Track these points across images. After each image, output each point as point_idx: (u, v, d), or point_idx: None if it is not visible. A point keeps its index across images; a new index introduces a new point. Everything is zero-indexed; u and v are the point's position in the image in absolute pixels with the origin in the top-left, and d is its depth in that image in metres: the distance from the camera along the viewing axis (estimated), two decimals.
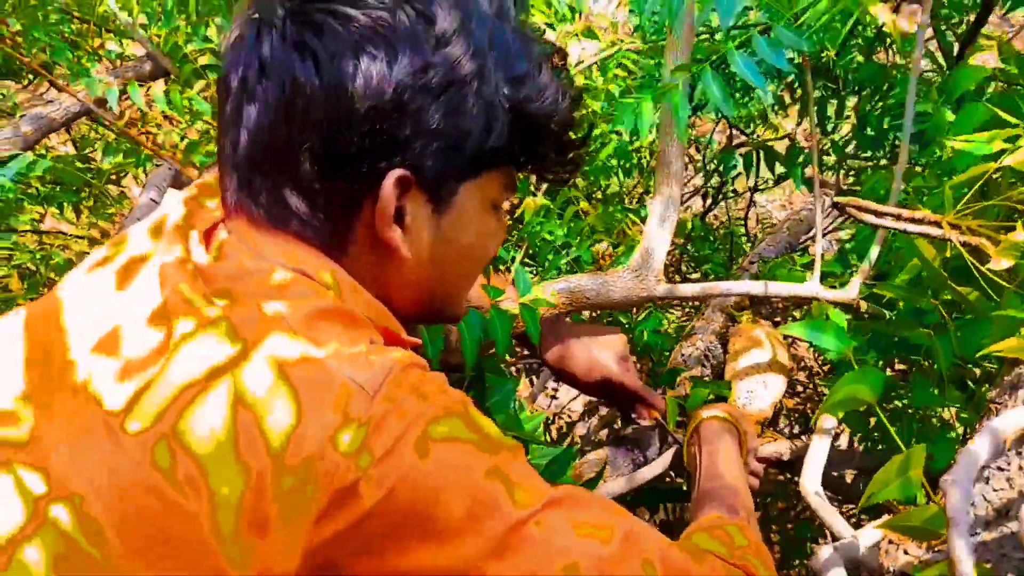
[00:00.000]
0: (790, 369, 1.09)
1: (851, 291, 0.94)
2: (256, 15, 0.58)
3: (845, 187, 1.71)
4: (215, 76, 1.54)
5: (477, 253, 0.67)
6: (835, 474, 1.13)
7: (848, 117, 1.59)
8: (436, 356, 0.85)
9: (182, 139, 1.59)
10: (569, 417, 2.35)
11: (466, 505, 0.52)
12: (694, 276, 1.99)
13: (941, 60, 1.49)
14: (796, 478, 0.91)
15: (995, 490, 0.62)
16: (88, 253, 0.66)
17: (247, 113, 0.57)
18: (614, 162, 1.58)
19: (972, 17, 1.47)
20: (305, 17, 0.56)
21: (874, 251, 0.94)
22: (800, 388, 1.91)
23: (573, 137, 0.66)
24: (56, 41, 1.65)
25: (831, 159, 1.66)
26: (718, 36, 1.47)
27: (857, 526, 0.73)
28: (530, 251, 1.46)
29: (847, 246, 1.19)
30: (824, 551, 0.64)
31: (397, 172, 0.57)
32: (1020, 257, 0.69)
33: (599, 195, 1.70)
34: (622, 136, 1.32)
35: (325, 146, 0.56)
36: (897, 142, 1.37)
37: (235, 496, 0.48)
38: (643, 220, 1.45)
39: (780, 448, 1.06)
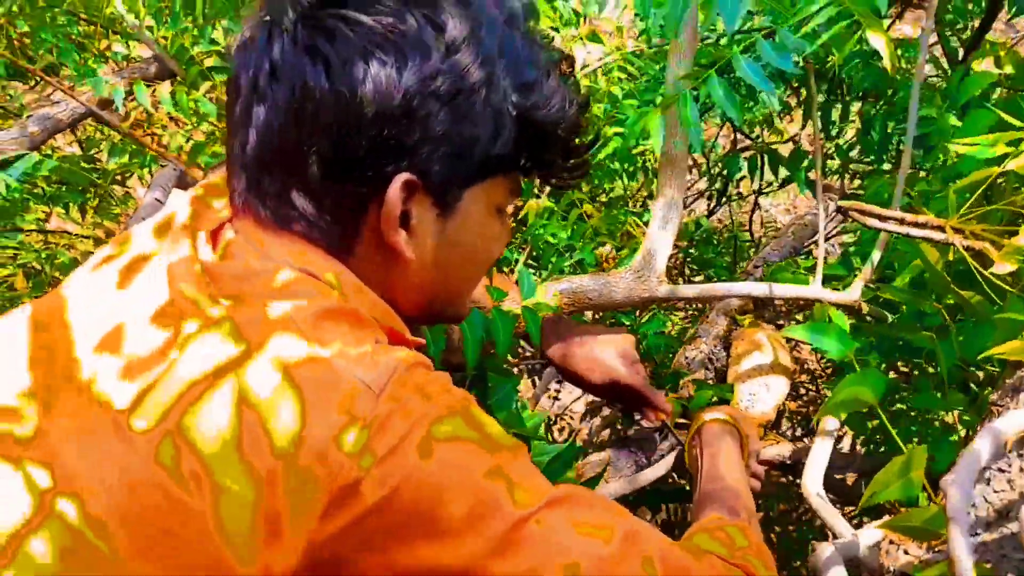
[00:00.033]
0: (792, 372, 1.09)
1: (853, 293, 0.94)
2: (267, 17, 0.58)
3: (849, 191, 1.71)
4: (221, 78, 1.55)
5: (481, 256, 0.68)
6: (837, 476, 1.13)
7: (853, 121, 1.60)
8: (438, 355, 0.85)
9: (187, 141, 1.59)
10: (571, 418, 2.35)
11: (468, 505, 0.52)
12: (697, 279, 1.99)
13: (945, 65, 1.49)
14: (798, 480, 0.92)
15: (996, 491, 0.62)
16: (93, 253, 0.66)
17: (256, 114, 0.58)
18: (617, 165, 1.59)
19: (976, 23, 1.47)
20: (317, 22, 0.56)
21: (876, 254, 0.94)
22: (803, 391, 1.91)
23: (579, 143, 0.66)
24: (63, 43, 1.66)
25: (835, 163, 1.66)
26: (723, 41, 1.48)
27: (859, 528, 0.73)
28: (533, 253, 1.46)
29: (850, 250, 1.19)
30: (824, 549, 0.64)
31: (404, 176, 0.58)
32: (1023, 261, 0.70)
33: (603, 198, 1.70)
34: (625, 138, 1.33)
35: (334, 149, 0.56)
36: (901, 147, 1.37)
37: (241, 495, 0.49)
38: (647, 223, 1.45)
39: (782, 450, 1.06)
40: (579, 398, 2.28)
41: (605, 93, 1.49)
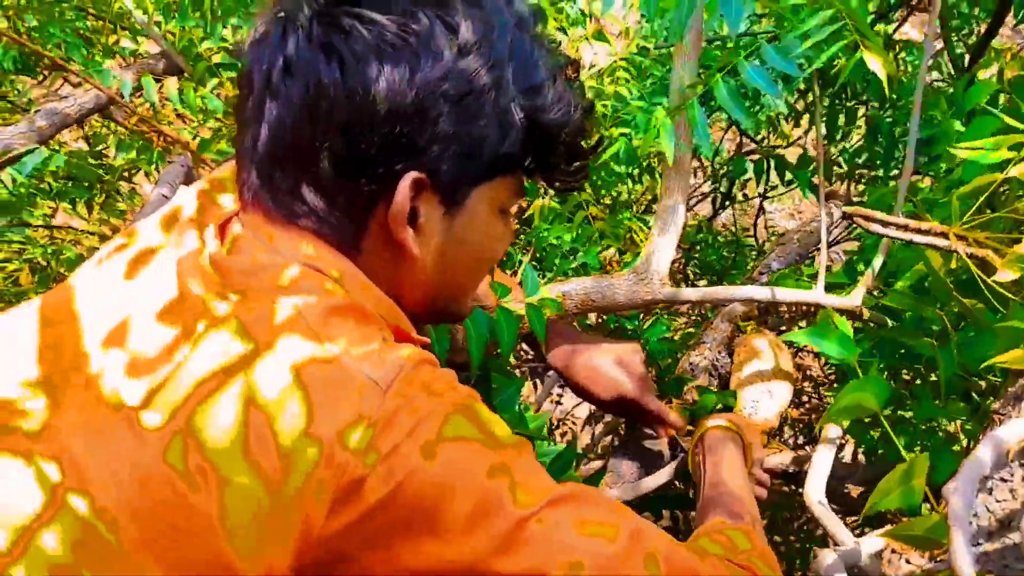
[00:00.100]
0: (795, 378, 1.09)
1: (855, 298, 0.94)
2: (282, 14, 0.59)
3: (855, 197, 1.71)
4: (228, 75, 1.55)
5: (485, 255, 0.68)
6: (839, 486, 1.13)
7: (859, 127, 1.59)
8: (443, 355, 0.86)
9: (194, 137, 1.60)
10: (573, 423, 2.35)
11: (471, 503, 0.53)
12: (701, 283, 1.99)
13: (951, 71, 1.49)
14: (799, 489, 0.91)
15: (998, 501, 0.62)
16: (99, 249, 0.67)
17: (269, 110, 0.58)
18: (622, 168, 1.59)
19: (982, 29, 1.47)
20: (332, 19, 0.57)
21: (878, 260, 0.94)
22: (805, 398, 1.91)
23: (583, 147, 0.67)
24: (71, 37, 1.66)
25: (842, 169, 1.66)
26: (728, 44, 1.48)
27: (860, 537, 0.73)
28: (537, 255, 1.46)
29: (854, 257, 1.19)
30: (826, 556, 0.64)
31: (413, 174, 0.58)
32: None
33: (607, 199, 1.70)
34: (631, 140, 1.33)
35: (346, 146, 0.57)
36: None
37: (246, 493, 0.49)
38: (650, 227, 1.45)
39: (784, 459, 1.05)
40: (581, 403, 2.28)
41: (612, 94, 1.49)
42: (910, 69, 1.69)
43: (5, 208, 1.64)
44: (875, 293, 1.01)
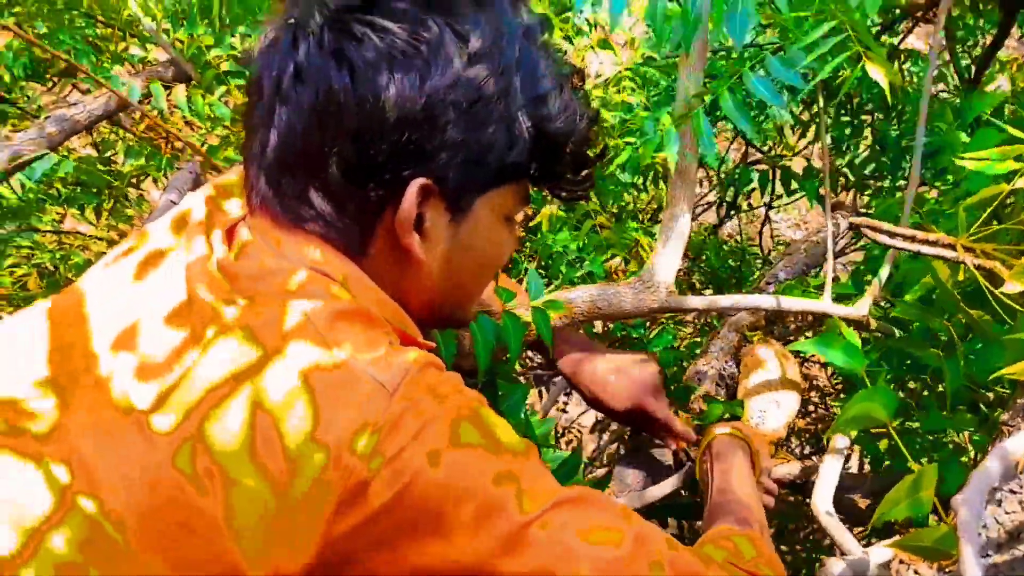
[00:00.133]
0: (802, 389, 1.08)
1: (861, 308, 0.94)
2: (292, 20, 0.59)
3: (862, 208, 1.71)
4: (236, 82, 1.56)
5: (490, 261, 0.69)
6: (846, 496, 1.13)
7: (866, 138, 1.60)
8: (450, 359, 0.86)
9: (202, 144, 1.60)
10: (579, 431, 2.35)
11: (476, 506, 0.53)
12: (707, 292, 1.99)
13: (957, 82, 1.49)
14: (807, 500, 0.91)
15: (1007, 512, 0.62)
16: (107, 254, 0.67)
17: (279, 115, 0.59)
18: (627, 177, 1.59)
19: (988, 40, 1.48)
20: (344, 26, 0.57)
21: (884, 270, 0.94)
22: (811, 408, 1.90)
23: (588, 156, 0.68)
24: (80, 44, 1.68)
25: (849, 180, 1.66)
26: (733, 54, 1.48)
27: (868, 547, 0.73)
28: (543, 263, 1.46)
29: (860, 268, 1.19)
30: (835, 565, 0.64)
31: (420, 181, 0.59)
32: None
33: (613, 208, 1.70)
34: (637, 149, 1.33)
35: (355, 153, 0.57)
36: None
37: (253, 495, 0.50)
38: (655, 237, 1.45)
39: (791, 469, 1.05)
40: (587, 411, 2.28)
41: (618, 104, 1.50)
42: (916, 80, 1.69)
43: (14, 213, 1.65)
44: (882, 304, 1.01)
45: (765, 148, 2.02)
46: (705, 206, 2.39)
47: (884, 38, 1.59)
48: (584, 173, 0.68)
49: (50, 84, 1.95)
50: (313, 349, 0.53)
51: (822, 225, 1.39)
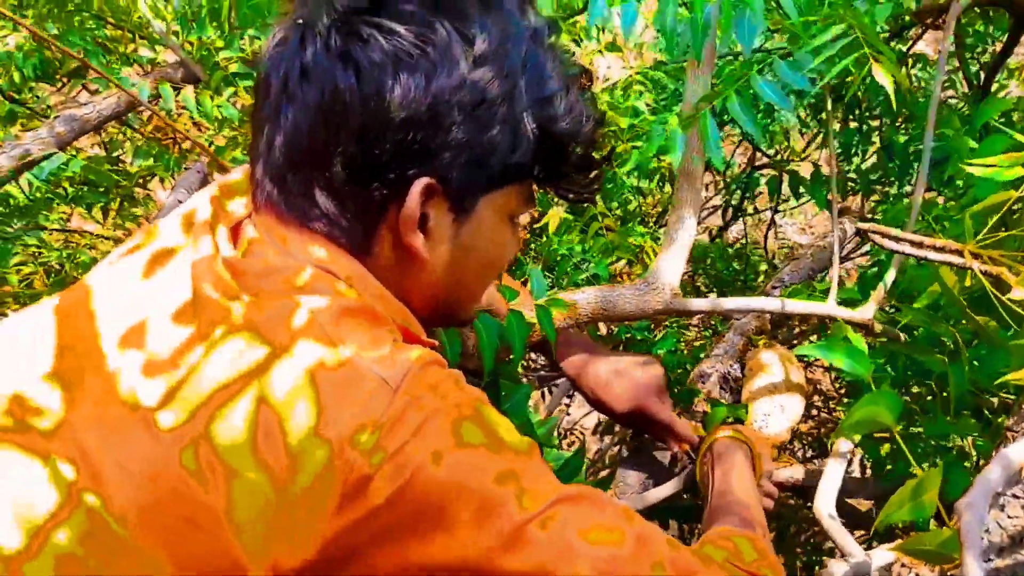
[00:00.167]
0: (807, 393, 1.08)
1: (866, 312, 0.94)
2: (300, 21, 0.60)
3: (869, 213, 1.71)
4: (244, 84, 1.57)
5: (492, 261, 0.69)
6: (848, 501, 1.13)
7: (874, 143, 1.60)
8: (455, 358, 0.86)
9: (209, 145, 1.61)
10: (581, 433, 2.34)
11: (476, 505, 0.53)
12: (712, 295, 1.99)
13: (966, 88, 1.49)
14: (808, 504, 0.91)
15: (1009, 517, 0.62)
16: (115, 250, 0.67)
17: (285, 114, 0.59)
18: (633, 181, 1.59)
19: (998, 47, 1.47)
20: (351, 28, 0.58)
21: (890, 275, 0.94)
22: (814, 412, 1.90)
23: (593, 157, 0.68)
24: (91, 46, 1.69)
25: (856, 185, 1.66)
26: (740, 59, 1.48)
27: (870, 551, 0.73)
28: (549, 265, 1.47)
29: (868, 273, 1.19)
30: (837, 567, 0.64)
31: (424, 180, 0.59)
32: None
33: (619, 211, 1.70)
34: (643, 151, 1.33)
35: (360, 152, 0.58)
36: None
37: (254, 490, 0.50)
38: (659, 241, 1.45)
39: (795, 472, 1.05)
40: (589, 413, 2.28)
41: (628, 108, 1.50)
42: (924, 86, 1.69)
43: (21, 212, 1.66)
44: (887, 309, 1.01)
45: (771, 153, 2.02)
46: (711, 209, 2.39)
47: (893, 44, 1.59)
48: (590, 174, 0.68)
49: (59, 84, 1.97)
50: (318, 347, 0.54)
51: (828, 230, 1.39)
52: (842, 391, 1.89)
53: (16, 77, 1.73)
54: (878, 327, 0.96)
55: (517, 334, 0.89)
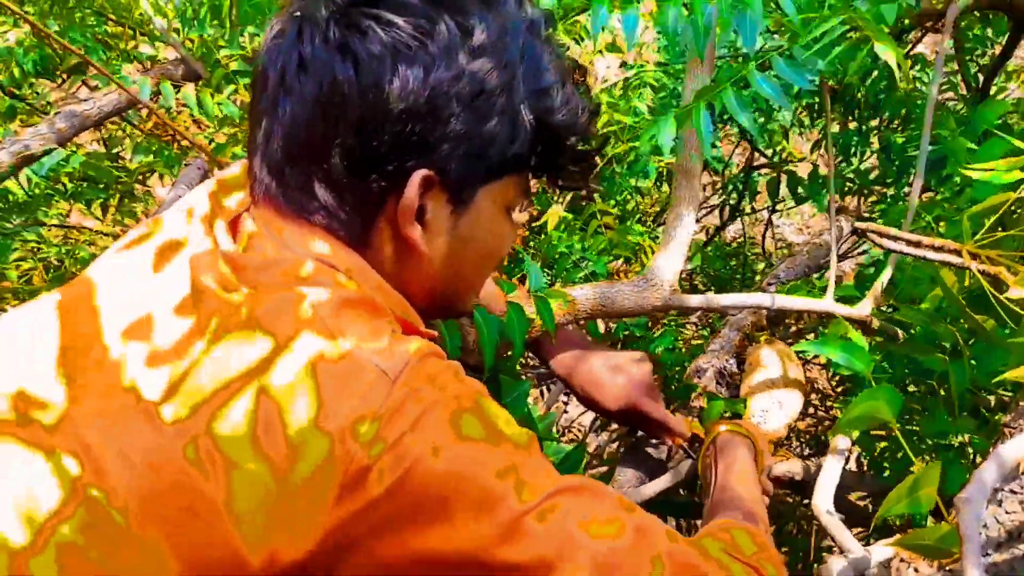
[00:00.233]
0: (805, 390, 1.09)
1: (863, 308, 0.95)
2: (298, 13, 0.60)
3: (866, 213, 1.72)
4: (245, 81, 1.57)
5: (490, 252, 0.70)
6: (846, 496, 1.13)
7: (872, 143, 1.60)
8: (455, 352, 0.86)
9: (210, 142, 1.61)
10: (579, 430, 2.35)
11: (475, 496, 0.53)
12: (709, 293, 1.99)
13: (964, 91, 1.50)
14: (805, 500, 0.91)
15: (1008, 512, 0.62)
16: (118, 241, 0.68)
17: (283, 106, 0.59)
18: (632, 182, 1.60)
19: (997, 50, 1.48)
20: (350, 20, 0.58)
21: (886, 273, 0.94)
22: (812, 409, 1.90)
23: (588, 148, 0.68)
24: (91, 42, 1.69)
25: (854, 186, 1.66)
26: (739, 60, 1.49)
27: (868, 546, 0.73)
28: (548, 262, 1.47)
29: (866, 271, 1.19)
30: (836, 563, 0.64)
31: (423, 172, 0.59)
32: None
33: (616, 210, 1.71)
34: (638, 148, 1.34)
35: (358, 144, 0.58)
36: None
37: (254, 480, 0.50)
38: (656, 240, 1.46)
39: (793, 468, 1.06)
40: (587, 410, 2.28)
41: (630, 108, 1.51)
42: (923, 88, 1.69)
43: (21, 208, 1.66)
44: (884, 308, 1.02)
45: (769, 153, 2.03)
46: (708, 208, 2.40)
47: None
48: (584, 165, 0.69)
49: (60, 81, 1.97)
50: (318, 339, 0.54)
51: (825, 229, 1.39)
52: (839, 389, 1.89)
53: (16, 73, 1.73)
54: (876, 324, 0.96)
55: (517, 329, 0.89)
